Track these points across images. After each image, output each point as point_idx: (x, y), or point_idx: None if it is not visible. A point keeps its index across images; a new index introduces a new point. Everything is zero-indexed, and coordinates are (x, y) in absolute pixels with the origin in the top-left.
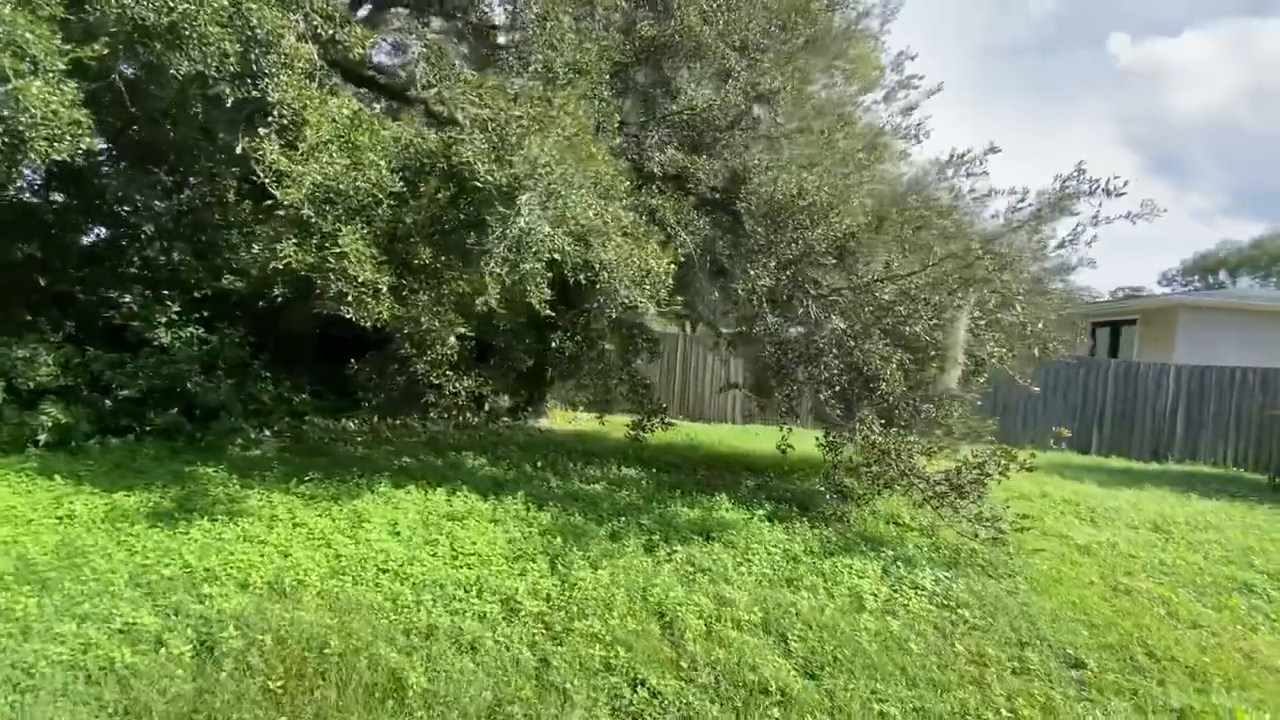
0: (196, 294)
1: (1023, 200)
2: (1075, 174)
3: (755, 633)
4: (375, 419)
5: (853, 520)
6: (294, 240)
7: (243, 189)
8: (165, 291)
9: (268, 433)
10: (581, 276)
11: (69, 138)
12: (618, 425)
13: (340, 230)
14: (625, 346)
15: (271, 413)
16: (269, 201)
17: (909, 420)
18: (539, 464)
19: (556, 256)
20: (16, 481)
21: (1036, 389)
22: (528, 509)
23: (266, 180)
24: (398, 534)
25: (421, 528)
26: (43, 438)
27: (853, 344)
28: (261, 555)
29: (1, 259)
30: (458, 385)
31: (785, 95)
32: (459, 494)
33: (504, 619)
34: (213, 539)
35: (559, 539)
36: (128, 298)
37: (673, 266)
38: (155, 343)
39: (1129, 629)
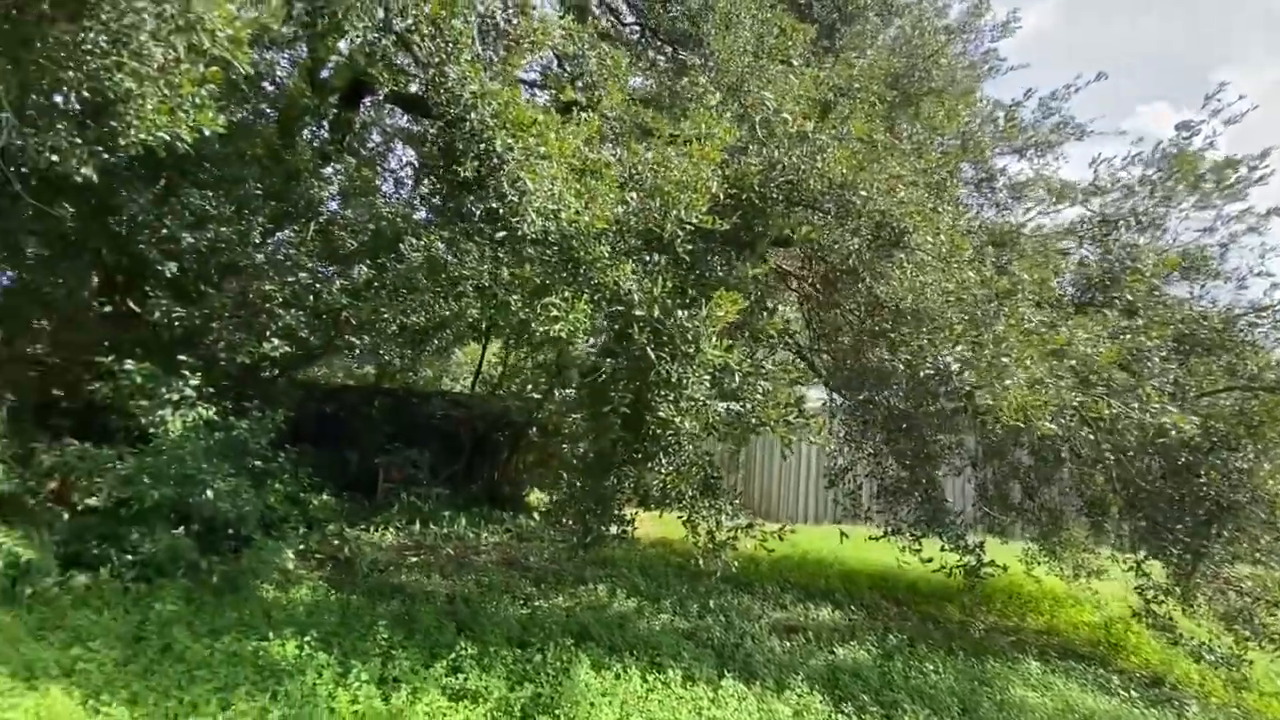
0: (221, 363)
1: None
2: None
3: None
4: (416, 526)
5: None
6: None
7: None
8: (182, 358)
9: (290, 554)
10: None
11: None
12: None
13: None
14: None
15: (284, 521)
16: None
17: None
18: (696, 605)
19: None
20: None
21: None
22: (841, 712)
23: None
24: None
25: None
26: None
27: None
28: None
29: None
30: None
31: None
32: (720, 686)
33: None
34: None
35: None
36: (130, 364)
37: None
38: (155, 430)
39: None
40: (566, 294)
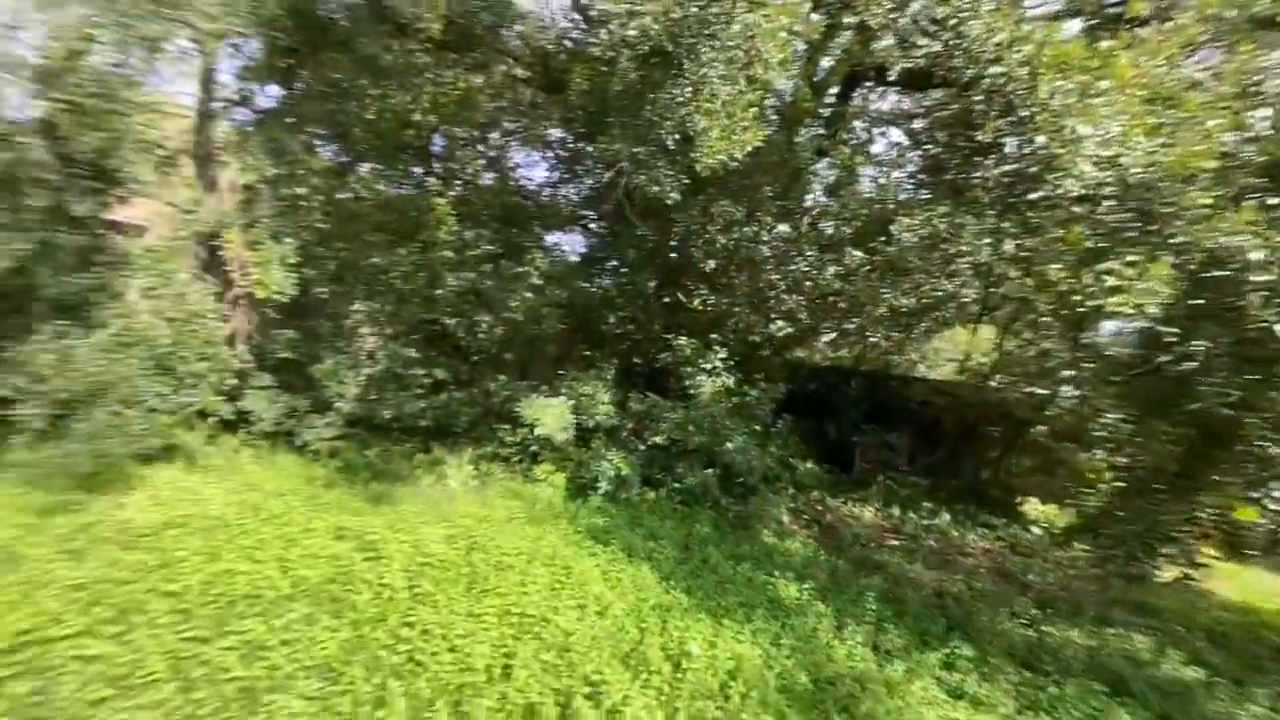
0: (733, 340)
1: None
2: None
3: None
4: (894, 510)
5: None
6: None
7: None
8: (714, 336)
9: (784, 509)
10: None
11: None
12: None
13: None
14: None
15: (777, 480)
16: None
17: None
18: None
19: None
20: (586, 550)
21: None
22: None
23: None
24: None
25: None
26: (603, 486)
27: None
28: None
29: (579, 297)
30: None
31: None
32: None
33: None
34: None
35: None
36: (682, 340)
37: None
38: (692, 391)
39: None
40: (1133, 258)
